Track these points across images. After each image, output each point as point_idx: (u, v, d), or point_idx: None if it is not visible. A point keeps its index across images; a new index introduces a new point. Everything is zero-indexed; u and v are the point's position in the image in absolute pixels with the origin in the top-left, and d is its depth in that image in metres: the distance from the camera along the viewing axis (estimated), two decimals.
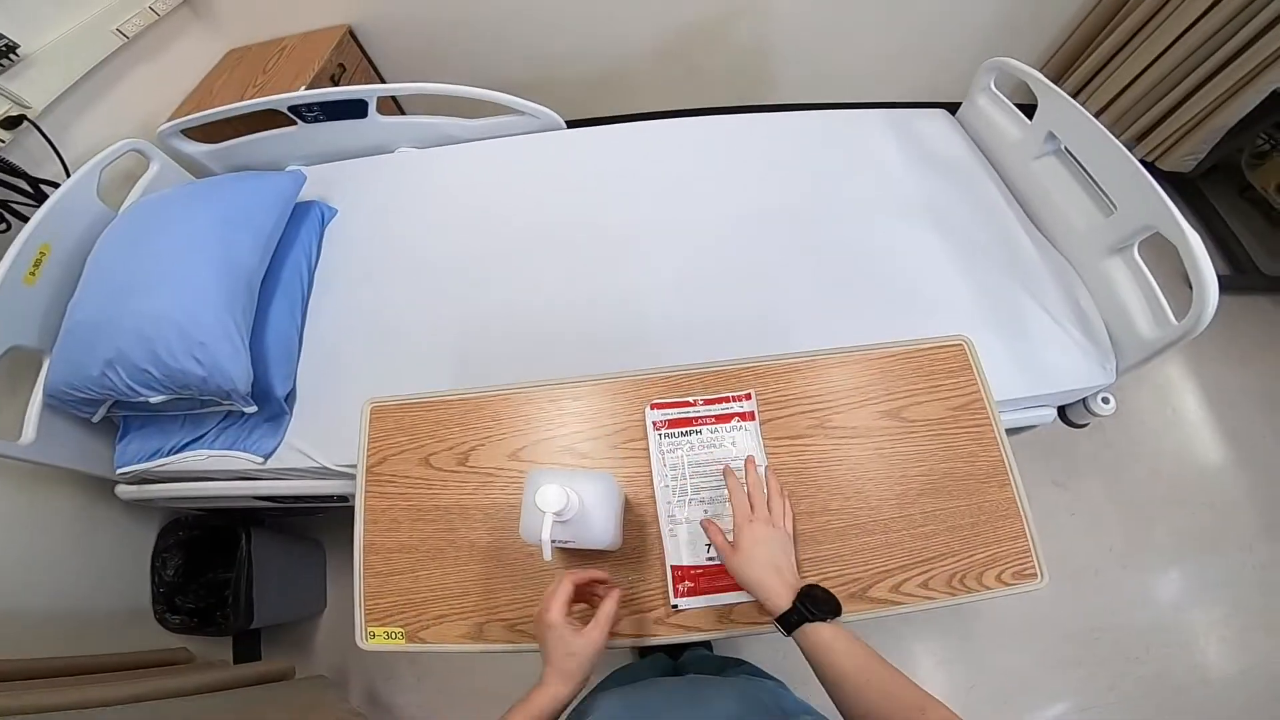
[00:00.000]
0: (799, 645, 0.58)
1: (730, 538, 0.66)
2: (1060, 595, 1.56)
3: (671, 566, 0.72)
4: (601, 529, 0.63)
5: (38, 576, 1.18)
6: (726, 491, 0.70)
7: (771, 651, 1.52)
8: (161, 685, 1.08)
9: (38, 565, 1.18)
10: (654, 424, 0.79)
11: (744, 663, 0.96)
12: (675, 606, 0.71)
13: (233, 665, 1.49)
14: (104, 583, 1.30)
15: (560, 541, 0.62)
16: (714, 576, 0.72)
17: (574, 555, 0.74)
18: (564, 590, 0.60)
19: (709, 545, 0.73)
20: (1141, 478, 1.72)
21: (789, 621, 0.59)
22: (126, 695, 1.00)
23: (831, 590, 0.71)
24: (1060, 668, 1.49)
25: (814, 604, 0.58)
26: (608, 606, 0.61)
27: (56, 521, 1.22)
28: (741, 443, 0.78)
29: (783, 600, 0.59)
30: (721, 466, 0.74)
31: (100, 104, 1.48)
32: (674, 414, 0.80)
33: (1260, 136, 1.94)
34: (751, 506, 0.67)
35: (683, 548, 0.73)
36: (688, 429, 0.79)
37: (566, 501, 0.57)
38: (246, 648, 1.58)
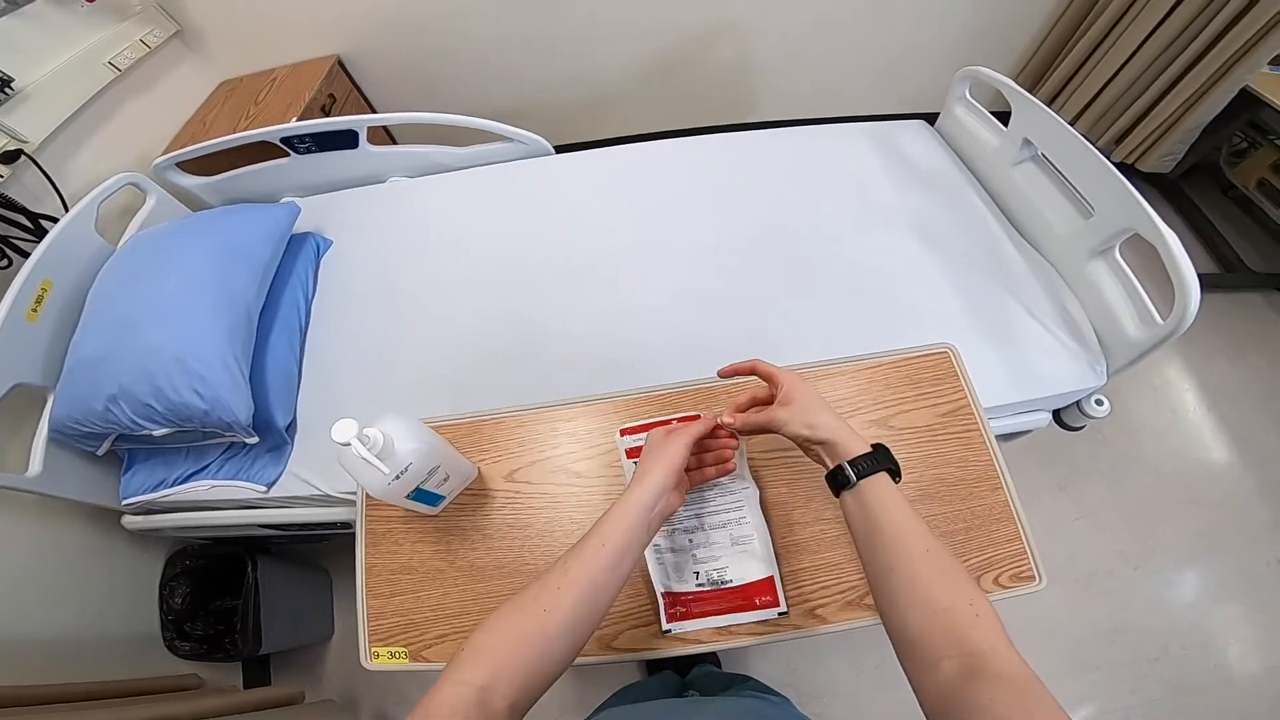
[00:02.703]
0: (860, 499, 0.55)
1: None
2: (1073, 599, 1.55)
3: (662, 593, 0.72)
4: (422, 452, 0.65)
5: (49, 605, 1.19)
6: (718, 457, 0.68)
7: (779, 669, 1.53)
8: (171, 709, 1.09)
9: (49, 594, 1.19)
10: (626, 452, 0.79)
11: (750, 679, 0.95)
12: (667, 631, 0.71)
13: (242, 690, 1.49)
14: (113, 611, 1.31)
15: (399, 475, 0.63)
16: (705, 601, 0.72)
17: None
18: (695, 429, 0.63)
19: (698, 573, 0.73)
20: (1146, 479, 1.71)
21: (863, 467, 0.55)
22: (137, 718, 1.01)
23: (829, 597, 0.72)
24: (1079, 672, 1.47)
25: (889, 455, 0.56)
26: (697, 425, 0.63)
27: (66, 552, 1.24)
28: None
29: (860, 444, 0.56)
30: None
31: (96, 138, 1.51)
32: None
33: (1237, 134, 1.97)
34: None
35: (670, 573, 0.73)
36: None
37: (359, 429, 0.59)
38: (256, 673, 1.58)
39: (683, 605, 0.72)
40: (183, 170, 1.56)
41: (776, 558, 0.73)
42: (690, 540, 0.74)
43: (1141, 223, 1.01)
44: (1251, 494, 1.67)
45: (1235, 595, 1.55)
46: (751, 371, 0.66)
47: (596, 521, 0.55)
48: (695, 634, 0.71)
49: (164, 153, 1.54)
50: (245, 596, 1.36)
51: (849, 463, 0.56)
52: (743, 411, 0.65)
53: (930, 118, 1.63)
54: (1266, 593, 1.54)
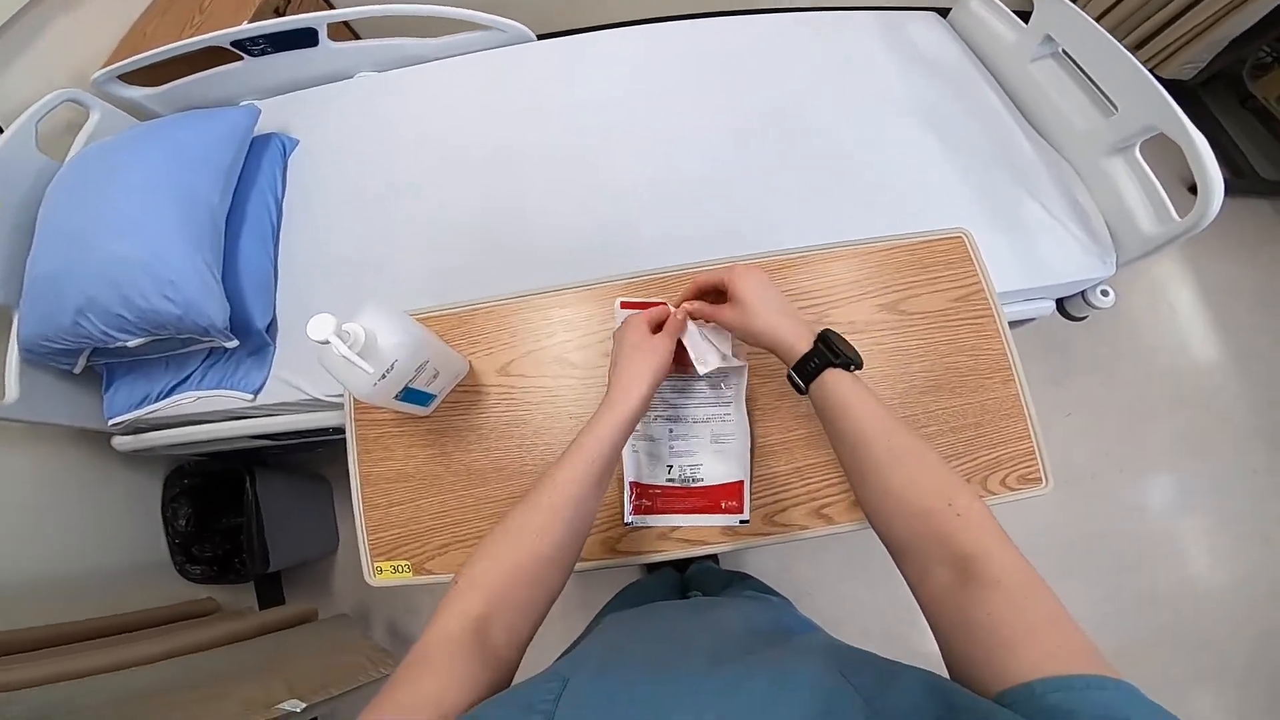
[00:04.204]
0: (815, 404, 0.52)
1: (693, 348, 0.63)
2: (1056, 501, 1.55)
3: (630, 483, 0.70)
4: (408, 346, 0.61)
5: (53, 539, 1.19)
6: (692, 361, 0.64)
7: (777, 567, 1.57)
8: (193, 638, 1.11)
9: (50, 528, 1.19)
10: None
11: (749, 578, 0.97)
12: (629, 524, 0.70)
13: (258, 612, 1.51)
14: (119, 539, 1.31)
15: (385, 374, 0.59)
16: (672, 498, 0.70)
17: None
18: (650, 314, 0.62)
19: (670, 467, 0.71)
20: (1138, 377, 1.71)
21: (806, 369, 0.52)
22: (162, 651, 1.04)
23: (827, 489, 0.70)
24: (1055, 578, 1.47)
25: (832, 349, 0.52)
26: (677, 317, 0.62)
27: (60, 482, 1.22)
28: (717, 341, 0.68)
29: (803, 342, 0.53)
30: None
31: (23, 59, 1.34)
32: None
33: (1263, 49, 1.89)
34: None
35: (643, 465, 0.71)
36: None
37: (336, 325, 0.54)
38: (269, 592, 1.61)
39: (649, 499, 0.70)
40: (127, 83, 1.44)
41: (753, 460, 0.71)
42: (670, 430, 0.72)
43: (1168, 122, 0.99)
44: (1238, 398, 1.68)
45: (1214, 504, 1.57)
46: (703, 287, 0.64)
47: (581, 432, 0.53)
48: (704, 536, 0.70)
49: (102, 67, 1.41)
50: (247, 513, 1.36)
51: (793, 369, 0.53)
52: (691, 300, 0.64)
53: (942, 11, 1.52)
54: (1243, 503, 1.56)
